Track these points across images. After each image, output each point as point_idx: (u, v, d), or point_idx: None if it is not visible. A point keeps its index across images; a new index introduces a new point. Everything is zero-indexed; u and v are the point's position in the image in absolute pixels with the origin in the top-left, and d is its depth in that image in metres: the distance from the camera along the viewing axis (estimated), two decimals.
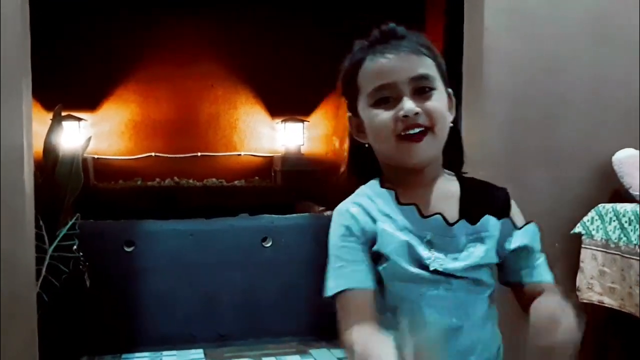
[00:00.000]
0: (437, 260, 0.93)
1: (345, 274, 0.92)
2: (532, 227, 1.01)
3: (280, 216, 3.64)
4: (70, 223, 2.56)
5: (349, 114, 1.02)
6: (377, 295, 0.94)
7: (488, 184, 1.06)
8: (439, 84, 0.95)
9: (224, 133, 5.14)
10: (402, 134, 0.90)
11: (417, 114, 0.90)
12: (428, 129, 0.91)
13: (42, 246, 2.35)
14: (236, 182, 5.06)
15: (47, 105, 4.22)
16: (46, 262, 2.38)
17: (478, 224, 0.96)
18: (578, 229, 2.35)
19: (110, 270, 3.24)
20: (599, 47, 2.47)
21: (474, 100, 2.45)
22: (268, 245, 3.51)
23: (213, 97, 5.15)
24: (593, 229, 2.29)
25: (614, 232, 2.20)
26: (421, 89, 0.92)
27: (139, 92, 5.00)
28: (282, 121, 5.16)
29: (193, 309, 3.38)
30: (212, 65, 5.08)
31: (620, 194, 2.37)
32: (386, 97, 0.92)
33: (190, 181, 4.99)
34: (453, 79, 2.61)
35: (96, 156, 4.82)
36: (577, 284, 2.34)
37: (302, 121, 5.16)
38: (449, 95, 0.99)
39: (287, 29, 4.99)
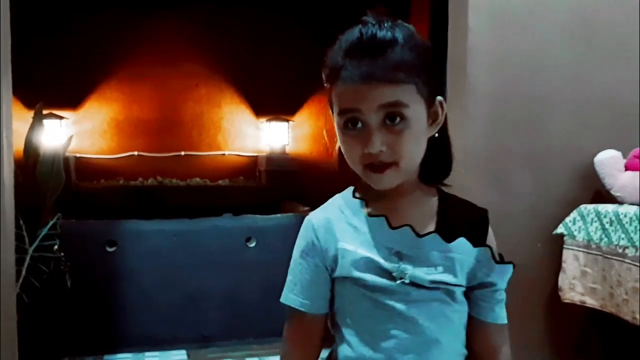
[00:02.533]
0: (404, 271, 0.90)
1: (298, 292, 0.93)
2: (509, 267, 0.96)
3: (264, 216, 3.63)
4: (51, 223, 2.54)
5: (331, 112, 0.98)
6: (340, 310, 0.94)
7: (468, 203, 1.02)
8: (413, 109, 0.88)
9: (208, 132, 5.12)
10: (367, 165, 0.89)
11: (380, 152, 0.88)
12: (391, 164, 0.89)
13: (22, 246, 2.32)
14: (220, 181, 5.04)
15: (28, 103, 4.17)
16: (26, 263, 2.36)
17: (453, 243, 0.93)
18: (560, 229, 2.37)
19: (92, 270, 3.22)
20: (583, 48, 2.49)
21: (457, 100, 2.46)
22: (252, 245, 3.51)
23: (197, 96, 5.12)
24: (575, 230, 2.31)
25: (595, 233, 2.22)
26: (392, 117, 0.87)
27: (122, 90, 4.95)
28: (266, 120, 5.14)
29: (176, 310, 3.37)
30: (196, 65, 5.06)
31: (602, 195, 2.39)
32: (355, 122, 0.89)
33: (174, 181, 4.96)
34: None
35: (78, 155, 4.77)
36: (560, 284, 2.36)
37: (287, 120, 5.15)
38: (438, 104, 0.94)
39: (272, 29, 4.98)
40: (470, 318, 0.97)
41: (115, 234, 3.36)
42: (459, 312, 0.95)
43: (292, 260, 0.97)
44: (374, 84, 0.86)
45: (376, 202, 0.94)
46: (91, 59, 4.74)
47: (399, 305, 0.90)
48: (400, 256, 0.90)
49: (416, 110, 0.89)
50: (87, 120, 4.89)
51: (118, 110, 4.96)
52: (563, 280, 2.35)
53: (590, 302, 2.25)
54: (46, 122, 4.34)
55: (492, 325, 0.98)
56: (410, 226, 0.91)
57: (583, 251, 2.28)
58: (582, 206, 2.32)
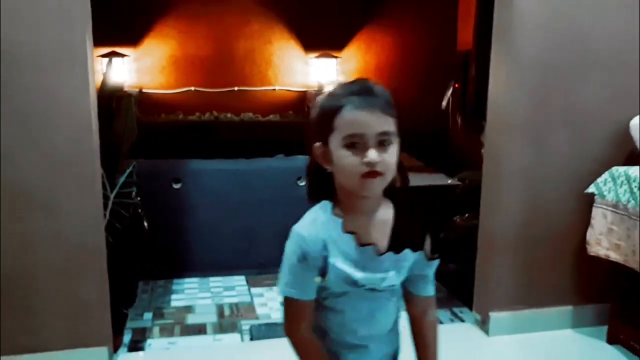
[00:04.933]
0: (367, 280, 1.20)
1: (296, 286, 1.21)
2: (436, 263, 1.29)
3: None
4: (127, 171, 2.79)
5: (317, 143, 1.21)
6: (322, 302, 1.24)
7: (416, 211, 1.29)
8: (395, 138, 1.17)
9: (259, 68, 5.26)
10: (364, 173, 1.15)
11: (377, 162, 1.15)
12: (381, 174, 1.17)
13: (104, 193, 2.58)
14: (271, 116, 5.23)
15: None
16: (109, 208, 2.63)
17: (401, 254, 1.22)
18: (592, 189, 2.50)
19: (160, 204, 3.50)
20: (626, 14, 2.51)
21: (501, 66, 2.55)
22: (302, 183, 3.73)
23: (249, 32, 5.23)
24: (605, 190, 2.45)
25: (624, 195, 2.36)
26: (382, 142, 1.15)
27: (178, 28, 5.10)
28: (315, 57, 5.24)
29: (235, 240, 3.66)
30: (248, 1, 5.13)
31: (635, 158, 2.50)
32: (356, 143, 1.15)
33: (228, 115, 5.17)
34: (485, 40, 2.68)
35: (141, 90, 4.99)
36: (587, 238, 2.53)
37: (335, 57, 5.23)
38: (399, 142, 1.23)
39: None
40: (408, 292, 1.33)
41: (179, 172, 3.62)
42: (396, 299, 1.30)
43: (287, 264, 1.22)
44: (374, 113, 1.14)
45: (350, 217, 1.21)
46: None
47: (362, 304, 1.24)
48: (364, 268, 1.20)
49: (395, 140, 1.18)
50: (147, 57, 5.09)
51: (175, 47, 5.13)
52: (591, 235, 2.51)
53: (614, 256, 2.42)
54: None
55: (423, 297, 1.34)
56: (374, 244, 1.20)
57: (611, 210, 2.42)
58: (614, 168, 2.44)
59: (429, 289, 1.35)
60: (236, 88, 5.24)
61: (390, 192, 1.24)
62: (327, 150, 1.17)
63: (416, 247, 1.24)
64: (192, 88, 5.17)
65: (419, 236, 1.26)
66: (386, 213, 1.24)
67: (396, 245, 1.22)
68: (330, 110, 1.17)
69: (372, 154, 1.13)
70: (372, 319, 1.26)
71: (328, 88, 5.10)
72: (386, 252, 1.21)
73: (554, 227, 2.63)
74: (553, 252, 2.67)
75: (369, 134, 1.13)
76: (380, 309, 1.26)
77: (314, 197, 1.25)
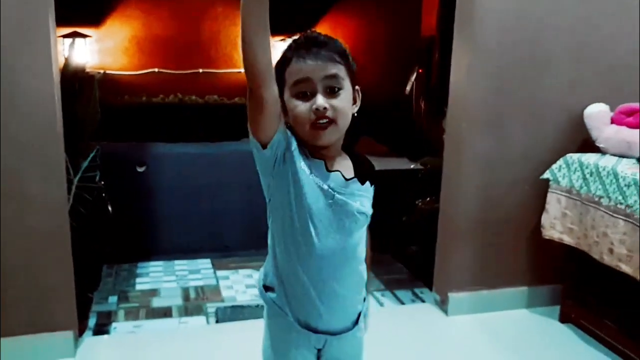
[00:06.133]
0: (338, 196, 1.21)
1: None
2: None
3: None
4: (91, 155, 2.76)
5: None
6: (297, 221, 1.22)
7: (365, 158, 1.34)
8: (346, 84, 1.19)
9: (224, 50, 5.22)
10: (314, 122, 1.17)
11: (325, 108, 1.16)
12: (332, 121, 1.18)
13: (68, 177, 2.55)
14: (236, 99, 5.20)
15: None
16: (72, 192, 2.60)
17: (364, 185, 1.27)
18: (547, 175, 2.60)
19: (125, 187, 3.47)
20: (584, 7, 2.59)
21: (463, 58, 2.60)
22: None
23: (214, 14, 5.17)
24: (560, 176, 2.54)
25: (577, 181, 2.45)
26: (331, 88, 1.16)
27: (142, 8, 5.01)
28: (281, 40, 5.21)
29: (201, 224, 3.66)
30: None
31: (588, 145, 2.60)
32: (304, 92, 1.16)
33: (193, 98, 5.12)
34: (449, 27, 2.72)
35: (104, 71, 4.90)
36: (542, 222, 2.62)
37: None
38: (356, 91, 1.25)
39: None
40: None
41: (144, 156, 3.59)
42: (365, 225, 1.31)
43: None
44: (320, 62, 1.16)
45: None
46: None
47: (333, 220, 1.23)
48: (333, 190, 1.22)
49: (346, 85, 1.19)
50: (109, 38, 4.99)
51: (138, 28, 5.04)
52: (545, 219, 2.61)
53: (567, 240, 2.52)
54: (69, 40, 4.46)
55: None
56: (340, 172, 1.24)
57: (565, 195, 2.52)
58: (568, 155, 2.54)
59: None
60: (201, 70, 5.19)
61: (348, 151, 1.28)
62: (283, 104, 1.19)
63: (371, 181, 1.29)
64: (156, 69, 5.10)
65: (371, 172, 1.31)
66: (345, 159, 1.28)
67: (359, 177, 1.26)
68: (280, 65, 1.19)
69: (319, 100, 1.15)
70: (343, 256, 1.24)
71: None
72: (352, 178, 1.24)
73: (511, 211, 2.73)
74: (510, 235, 2.76)
75: (315, 79, 1.15)
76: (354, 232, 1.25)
77: None
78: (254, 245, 3.76)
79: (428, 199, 3.47)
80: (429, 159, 3.69)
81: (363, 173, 1.28)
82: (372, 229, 1.37)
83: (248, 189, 3.72)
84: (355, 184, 1.25)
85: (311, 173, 1.19)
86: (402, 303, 2.97)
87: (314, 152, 1.22)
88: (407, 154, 4.58)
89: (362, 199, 1.26)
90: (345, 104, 1.19)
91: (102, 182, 2.86)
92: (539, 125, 2.66)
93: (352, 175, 1.26)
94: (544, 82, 2.63)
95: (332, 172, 1.22)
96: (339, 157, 1.26)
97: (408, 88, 5.05)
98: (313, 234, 1.20)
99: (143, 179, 3.56)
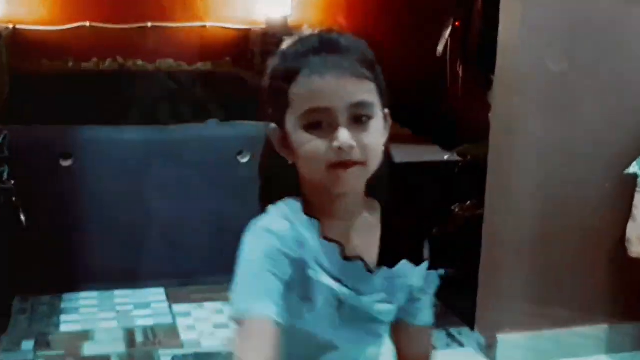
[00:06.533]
0: (355, 301, 1.20)
1: (260, 298, 1.10)
2: (436, 279, 1.30)
3: (260, 123, 3.83)
4: None
5: (272, 125, 1.19)
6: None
7: (408, 216, 1.32)
8: (377, 109, 1.15)
9: None
10: (334, 163, 1.12)
11: (351, 147, 1.11)
12: (360, 163, 1.13)
13: None
14: (200, 64, 5.21)
15: None
16: None
17: (395, 268, 1.23)
18: (633, 168, 2.60)
19: (42, 190, 3.47)
20: None
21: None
22: (245, 160, 3.74)
23: None
24: None
25: None
26: (358, 117, 1.12)
27: None
28: None
29: (150, 240, 3.66)
30: None
31: None
32: (321, 122, 1.12)
33: (139, 63, 5.12)
34: None
35: (13, 26, 4.89)
36: (627, 234, 2.63)
37: None
38: (385, 115, 1.20)
39: None
40: (397, 319, 1.30)
41: (70, 144, 3.59)
42: (387, 327, 1.30)
43: (245, 269, 1.16)
44: (343, 78, 1.10)
45: (324, 221, 1.19)
46: None
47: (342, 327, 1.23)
48: (347, 287, 1.19)
49: (377, 112, 1.15)
50: None
51: None
52: (632, 231, 2.61)
53: None
54: None
55: (418, 327, 1.33)
56: (362, 260, 1.20)
57: None
58: None
59: (426, 316, 1.35)
60: (149, 24, 5.18)
61: (374, 188, 1.23)
62: (284, 135, 1.16)
63: (414, 257, 1.25)
64: (87, 23, 5.08)
65: (416, 243, 1.27)
66: (371, 216, 1.24)
67: (388, 257, 1.23)
68: (283, 77, 1.14)
69: (344, 136, 1.10)
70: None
71: (280, 27, 5.12)
72: (377, 267, 1.21)
73: (584, 220, 2.73)
74: (580, 253, 2.77)
75: (338, 108, 1.10)
76: (370, 334, 1.27)
77: (269, 200, 1.21)
78: (224, 269, 3.76)
79: (468, 203, 3.49)
80: (469, 147, 3.70)
81: (398, 237, 1.25)
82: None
83: (215, 190, 3.72)
84: (382, 275, 1.22)
85: (322, 269, 1.16)
86: (433, 348, 2.98)
87: (322, 204, 1.18)
88: (438, 141, 4.58)
89: (389, 291, 1.23)
90: (377, 138, 1.15)
91: (13, 182, 2.87)
92: (622, 103, 2.67)
93: (377, 250, 1.23)
94: (632, 45, 2.63)
95: (350, 262, 1.18)
96: (359, 207, 1.22)
97: (440, 48, 5.05)
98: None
99: (69, 178, 3.56)
